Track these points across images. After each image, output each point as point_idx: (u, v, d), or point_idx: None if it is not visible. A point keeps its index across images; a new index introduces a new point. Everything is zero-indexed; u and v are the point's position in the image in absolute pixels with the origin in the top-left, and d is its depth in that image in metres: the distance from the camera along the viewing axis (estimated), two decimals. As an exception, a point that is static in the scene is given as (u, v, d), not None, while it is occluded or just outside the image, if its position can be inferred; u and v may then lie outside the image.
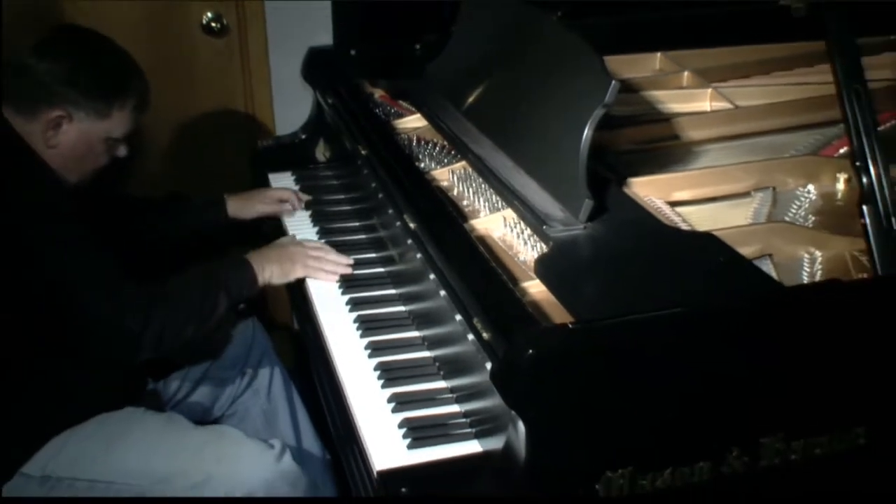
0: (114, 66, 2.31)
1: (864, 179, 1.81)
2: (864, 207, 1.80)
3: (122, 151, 2.40)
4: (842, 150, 2.39)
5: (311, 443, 2.72)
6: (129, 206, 2.75)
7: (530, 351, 1.48)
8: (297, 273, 2.40)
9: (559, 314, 1.80)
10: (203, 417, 2.64)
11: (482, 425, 1.79)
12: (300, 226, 2.71)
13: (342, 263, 2.41)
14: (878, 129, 1.84)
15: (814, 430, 1.71)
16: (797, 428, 1.69)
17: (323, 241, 2.57)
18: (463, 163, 2.42)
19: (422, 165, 2.50)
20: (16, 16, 2.99)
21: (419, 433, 1.82)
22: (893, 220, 1.79)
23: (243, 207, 2.83)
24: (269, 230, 2.81)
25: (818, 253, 2.05)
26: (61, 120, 2.24)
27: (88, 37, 2.35)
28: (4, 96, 2.25)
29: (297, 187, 2.91)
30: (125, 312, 2.14)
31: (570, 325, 1.59)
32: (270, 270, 2.38)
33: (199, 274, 2.34)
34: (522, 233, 2.10)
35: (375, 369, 2.03)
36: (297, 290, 2.44)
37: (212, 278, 2.32)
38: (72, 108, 2.24)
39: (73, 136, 2.27)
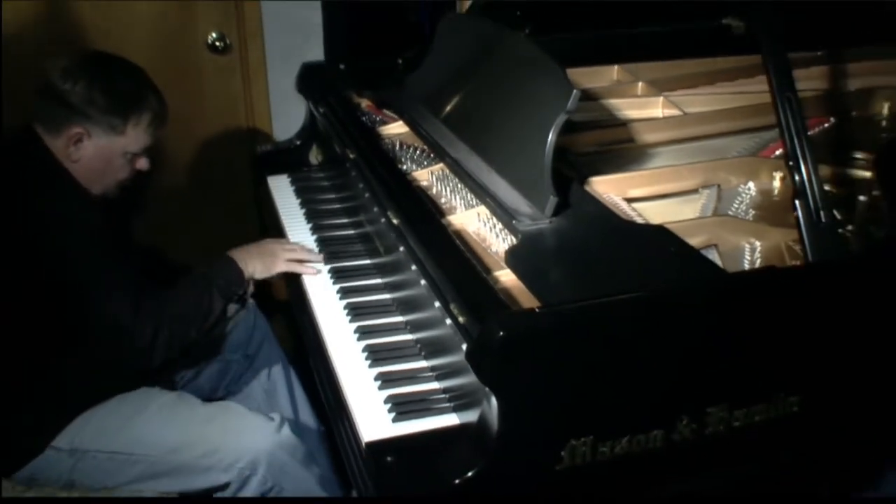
0: (129, 84, 2.28)
1: (797, 177, 1.82)
2: (797, 202, 1.80)
3: (143, 164, 2.38)
4: (778, 152, 2.40)
5: (307, 417, 2.73)
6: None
7: (501, 333, 1.48)
8: (279, 267, 2.38)
9: (528, 300, 1.79)
10: (210, 395, 2.64)
11: (459, 400, 1.80)
12: (296, 223, 2.69)
13: (314, 257, 2.42)
14: (809, 132, 1.85)
15: (754, 400, 1.72)
16: (739, 398, 1.70)
17: (315, 235, 2.58)
18: (441, 164, 2.41)
19: (404, 167, 2.48)
20: (40, 46, 2.99)
21: (403, 408, 1.82)
22: (822, 213, 1.80)
23: None
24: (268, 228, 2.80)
25: (758, 243, 2.05)
26: (81, 136, 2.22)
27: (108, 59, 2.33)
28: (35, 115, 2.24)
29: (292, 188, 2.90)
30: (142, 323, 2.14)
31: (537, 310, 1.59)
32: (253, 265, 2.37)
33: (191, 280, 2.32)
34: (494, 227, 2.09)
35: (363, 351, 2.03)
36: (293, 281, 2.44)
37: (204, 281, 2.30)
38: (89, 125, 2.22)
39: (91, 152, 2.25)
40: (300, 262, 2.40)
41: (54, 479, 2.21)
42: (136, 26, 3.25)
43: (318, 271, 2.39)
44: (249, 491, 2.22)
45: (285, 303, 2.78)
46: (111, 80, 2.25)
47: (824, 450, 1.88)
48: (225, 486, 2.23)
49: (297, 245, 2.47)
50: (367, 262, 2.41)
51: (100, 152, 2.26)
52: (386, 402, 1.85)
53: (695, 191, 2.28)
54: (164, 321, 2.16)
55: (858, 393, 1.86)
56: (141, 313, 2.14)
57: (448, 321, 1.81)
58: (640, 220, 2.05)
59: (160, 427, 2.24)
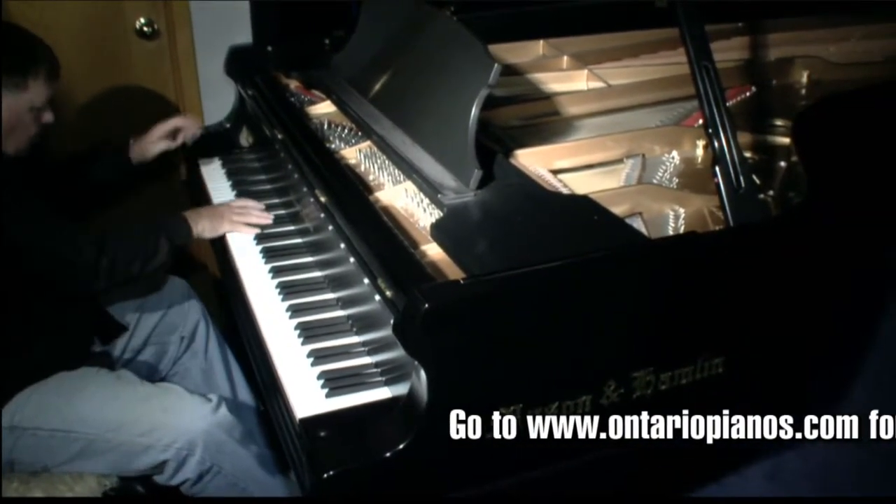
0: (20, 42, 2.26)
1: (716, 143, 1.83)
2: (717, 168, 1.81)
3: (48, 118, 2.34)
4: (700, 121, 2.39)
5: (245, 395, 2.72)
6: (48, 170, 2.67)
7: (426, 305, 1.47)
8: (225, 227, 2.45)
9: (454, 272, 1.78)
10: (148, 378, 2.58)
11: (391, 374, 1.79)
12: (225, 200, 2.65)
13: (263, 216, 2.47)
14: (731, 101, 1.85)
15: (679, 363, 1.73)
16: (665, 362, 1.71)
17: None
18: (368, 142, 2.38)
19: (332, 146, 2.45)
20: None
21: (335, 383, 1.81)
22: (742, 179, 1.81)
23: (143, 151, 2.78)
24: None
25: (681, 210, 2.06)
26: None
27: None
28: None
29: (223, 171, 2.86)
30: (81, 246, 2.19)
31: (462, 281, 1.58)
32: (202, 225, 2.42)
33: (142, 222, 2.39)
34: (422, 202, 2.07)
35: (295, 329, 2.01)
36: (225, 261, 2.41)
37: (154, 224, 2.37)
38: None
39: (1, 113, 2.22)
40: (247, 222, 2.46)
41: (-5, 458, 2.19)
42: (63, 13, 3.16)
43: (263, 229, 2.44)
44: (188, 471, 2.21)
45: (220, 282, 2.75)
46: (2, 41, 2.24)
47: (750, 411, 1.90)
48: (163, 467, 2.20)
49: (245, 204, 2.52)
50: (299, 240, 2.38)
51: (9, 111, 2.22)
52: (319, 378, 1.84)
53: (619, 160, 2.28)
54: (109, 243, 2.22)
55: (780, 351, 1.88)
56: (80, 238, 2.21)
57: (377, 296, 1.80)
58: (565, 191, 2.05)
59: (100, 405, 2.21)
